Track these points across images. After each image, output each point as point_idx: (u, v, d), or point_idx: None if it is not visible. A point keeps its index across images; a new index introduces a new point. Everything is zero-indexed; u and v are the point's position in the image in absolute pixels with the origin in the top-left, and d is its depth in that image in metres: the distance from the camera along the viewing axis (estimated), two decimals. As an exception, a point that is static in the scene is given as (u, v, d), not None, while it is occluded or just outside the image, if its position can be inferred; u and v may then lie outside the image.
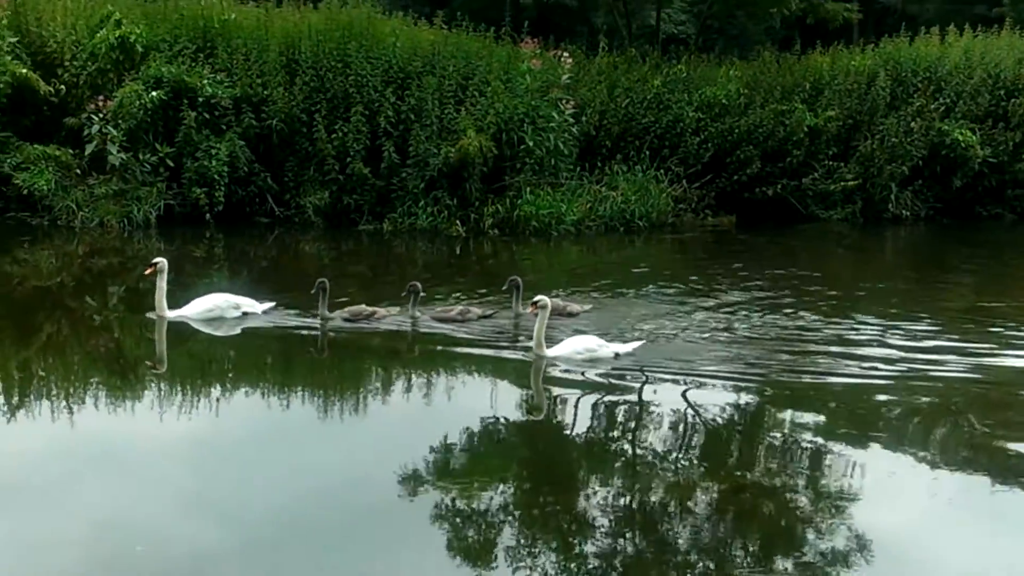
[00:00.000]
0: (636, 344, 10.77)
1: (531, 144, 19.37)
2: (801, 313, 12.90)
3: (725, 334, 11.69)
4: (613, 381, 9.92)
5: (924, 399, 9.72)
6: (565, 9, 31.71)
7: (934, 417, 9.23)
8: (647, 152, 21.43)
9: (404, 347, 11.41)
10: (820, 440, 8.67)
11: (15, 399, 9.26)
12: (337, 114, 19.25)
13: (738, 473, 7.93)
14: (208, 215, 18.30)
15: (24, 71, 18.28)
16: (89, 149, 18.13)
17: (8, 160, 17.94)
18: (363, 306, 11.83)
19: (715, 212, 22.10)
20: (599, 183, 20.50)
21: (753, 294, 14.23)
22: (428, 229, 18.69)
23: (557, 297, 12.58)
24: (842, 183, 22.57)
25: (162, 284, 11.45)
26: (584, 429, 8.79)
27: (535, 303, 10.39)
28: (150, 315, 11.55)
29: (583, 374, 10.10)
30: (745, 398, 9.76)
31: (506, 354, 10.87)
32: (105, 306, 13.15)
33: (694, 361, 10.52)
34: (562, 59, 21.33)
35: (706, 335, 11.64)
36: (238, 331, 11.48)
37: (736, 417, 9.26)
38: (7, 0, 18.86)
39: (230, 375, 10.52)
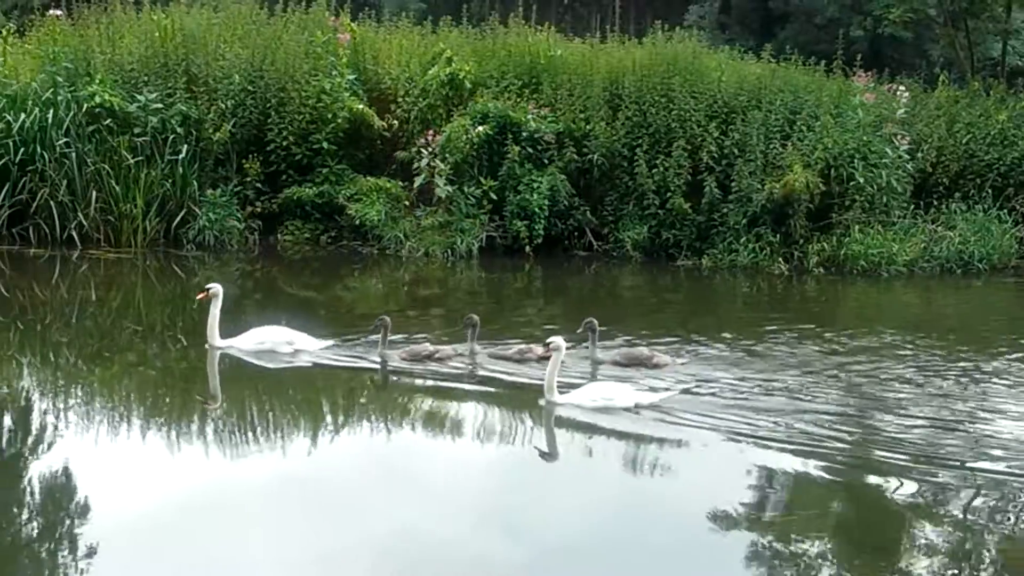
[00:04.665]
0: (665, 395, 9.76)
1: (861, 181, 18.41)
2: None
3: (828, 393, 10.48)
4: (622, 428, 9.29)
5: None
6: (899, 42, 30.17)
7: None
8: (989, 191, 20.13)
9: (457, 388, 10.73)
10: None
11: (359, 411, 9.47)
12: (658, 148, 18.95)
13: None
14: (528, 247, 18.41)
15: (361, 107, 19.08)
16: (418, 182, 18.67)
17: (343, 191, 18.71)
18: (426, 345, 11.22)
19: (1066, 256, 20.37)
20: (935, 222, 19.32)
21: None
22: (749, 266, 18.06)
23: (647, 347, 11.51)
24: None
25: (215, 312, 10.92)
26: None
27: (547, 344, 9.72)
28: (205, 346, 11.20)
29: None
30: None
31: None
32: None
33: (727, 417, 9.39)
34: (898, 93, 20.24)
35: (802, 393, 10.39)
36: (302, 366, 11.01)
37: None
38: (347, 40, 19.78)
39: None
